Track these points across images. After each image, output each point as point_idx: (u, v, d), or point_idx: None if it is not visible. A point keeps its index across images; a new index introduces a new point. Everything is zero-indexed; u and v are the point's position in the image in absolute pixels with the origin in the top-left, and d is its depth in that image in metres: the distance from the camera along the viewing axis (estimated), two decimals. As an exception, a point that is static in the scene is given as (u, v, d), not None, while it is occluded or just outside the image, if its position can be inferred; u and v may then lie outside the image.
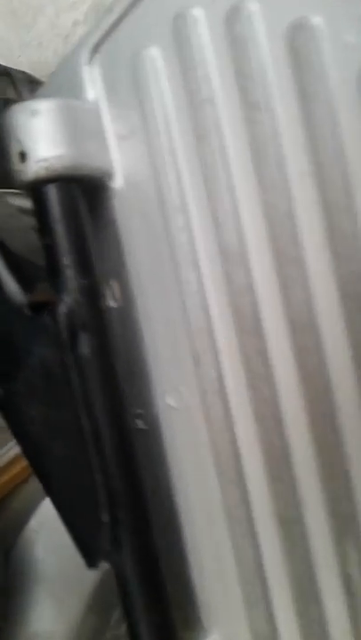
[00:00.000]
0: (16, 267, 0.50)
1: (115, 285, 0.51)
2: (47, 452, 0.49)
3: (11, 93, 1.05)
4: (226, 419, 0.47)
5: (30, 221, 0.57)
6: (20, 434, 0.50)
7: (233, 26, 0.42)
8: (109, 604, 0.93)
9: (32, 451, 0.50)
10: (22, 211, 0.58)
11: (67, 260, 0.46)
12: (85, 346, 0.47)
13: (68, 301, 0.46)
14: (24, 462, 0.97)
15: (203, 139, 0.45)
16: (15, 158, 0.46)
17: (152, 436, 0.51)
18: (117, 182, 0.49)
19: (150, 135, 0.47)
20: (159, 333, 0.50)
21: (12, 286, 0.49)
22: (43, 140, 0.45)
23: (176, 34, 0.44)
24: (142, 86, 0.47)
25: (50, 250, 0.47)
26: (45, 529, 0.92)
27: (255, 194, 0.44)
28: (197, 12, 0.44)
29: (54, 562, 0.91)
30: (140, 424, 0.52)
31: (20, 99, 1.08)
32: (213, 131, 0.44)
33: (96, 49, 0.48)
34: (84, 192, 0.48)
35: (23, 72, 1.12)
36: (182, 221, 0.46)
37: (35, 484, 0.99)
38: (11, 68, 1.09)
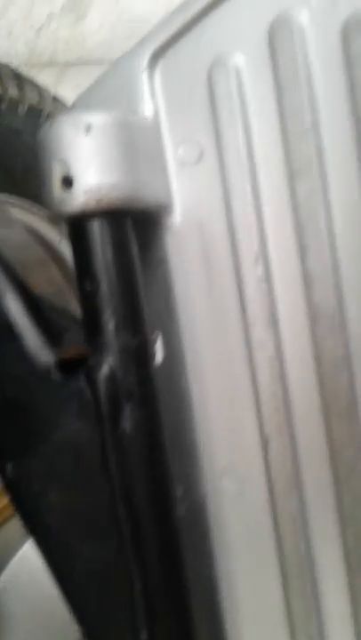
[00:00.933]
0: (38, 313, 0.39)
1: (158, 338, 0.42)
2: (69, 549, 0.39)
3: (-5, 89, 0.93)
4: (302, 517, 0.39)
5: (43, 252, 0.47)
6: (34, 523, 0.40)
7: (353, 40, 0.34)
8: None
9: (49, 546, 0.40)
10: (31, 232, 0.47)
11: (112, 311, 0.37)
12: (129, 420, 0.37)
13: (109, 363, 0.37)
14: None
15: (299, 174, 0.36)
16: (56, 183, 0.36)
17: (194, 523, 0.42)
18: (175, 217, 0.40)
19: (225, 164, 0.38)
20: (214, 402, 0.41)
21: (35, 340, 0.39)
22: (95, 164, 0.35)
23: (273, 41, 0.36)
24: (219, 102, 0.38)
25: (90, 298, 0.37)
26: (17, 587, 0.81)
27: (363, 247, 0.35)
28: (304, 18, 0.35)
29: (26, 625, 0.81)
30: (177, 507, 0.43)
31: (5, 95, 0.96)
32: (315, 166, 0.36)
33: (161, 52, 0.39)
34: (135, 227, 0.38)
35: (7, 65, 1.00)
36: (261, 271, 0.38)
37: (4, 534, 0.88)
38: (-5, 60, 0.97)
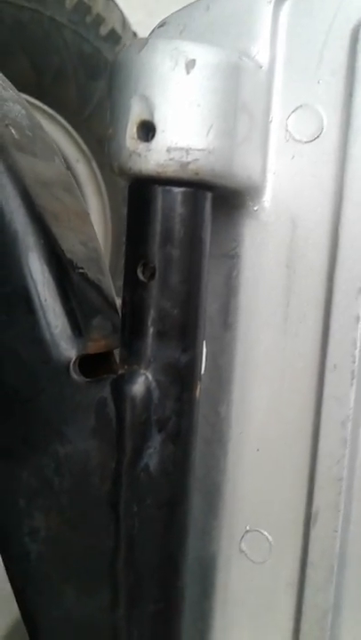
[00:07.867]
0: (67, 284, 0.30)
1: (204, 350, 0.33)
2: (48, 588, 0.31)
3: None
4: (334, 613, 0.31)
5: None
6: (9, 546, 0.31)
7: None
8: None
9: (23, 578, 0.31)
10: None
11: (163, 313, 0.27)
12: (155, 455, 0.28)
13: (146, 378, 0.28)
14: None
15: None
16: (131, 127, 0.26)
17: (196, 580, 0.34)
18: (263, 204, 0.31)
19: (350, 152, 0.28)
20: (257, 448, 0.32)
21: (57, 322, 0.29)
22: (191, 116, 0.26)
23: None
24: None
25: (139, 288, 0.28)
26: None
27: None
28: None
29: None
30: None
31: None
32: None
33: (297, -18, 0.29)
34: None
35: None
36: (363, 306, 0.29)
37: None
38: None
